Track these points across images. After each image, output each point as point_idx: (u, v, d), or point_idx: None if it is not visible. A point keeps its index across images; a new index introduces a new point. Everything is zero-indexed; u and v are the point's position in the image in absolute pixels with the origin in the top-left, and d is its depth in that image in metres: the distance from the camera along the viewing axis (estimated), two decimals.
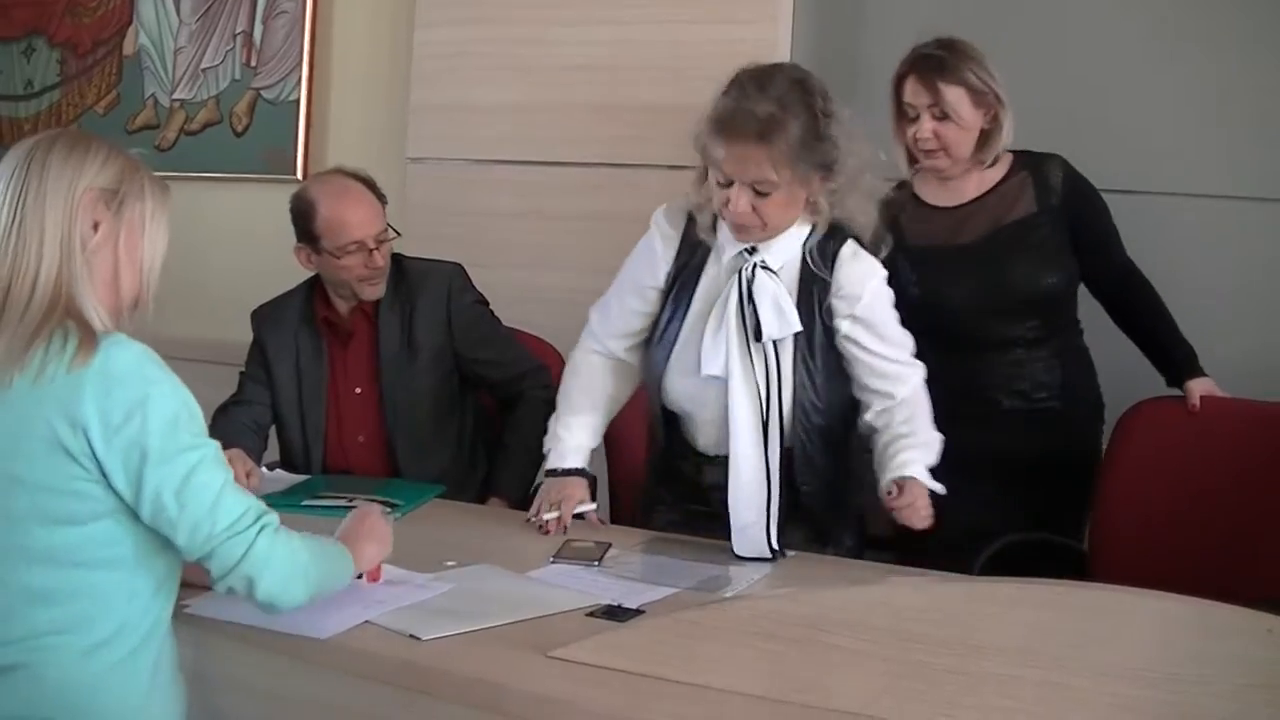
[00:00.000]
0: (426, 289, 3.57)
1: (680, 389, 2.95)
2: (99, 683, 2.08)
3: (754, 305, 2.81)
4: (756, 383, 2.82)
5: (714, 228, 2.90)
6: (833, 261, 2.84)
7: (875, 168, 2.86)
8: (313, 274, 3.62)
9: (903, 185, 3.46)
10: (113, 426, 2.00)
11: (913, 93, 3.32)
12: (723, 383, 2.84)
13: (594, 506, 3.01)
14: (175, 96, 5.42)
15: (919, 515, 2.69)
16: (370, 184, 3.53)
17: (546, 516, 2.94)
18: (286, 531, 2.14)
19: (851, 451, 3.01)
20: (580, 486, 3.01)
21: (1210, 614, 1.97)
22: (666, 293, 2.97)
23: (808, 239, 2.86)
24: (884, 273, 2.89)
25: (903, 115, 3.37)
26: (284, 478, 3.41)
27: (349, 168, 3.59)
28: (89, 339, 2.04)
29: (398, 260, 3.60)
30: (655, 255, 2.98)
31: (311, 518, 2.82)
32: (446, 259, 3.69)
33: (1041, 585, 2.06)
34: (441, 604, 2.38)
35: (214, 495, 2.06)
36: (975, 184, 3.42)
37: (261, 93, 5.22)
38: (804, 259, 2.85)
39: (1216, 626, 1.95)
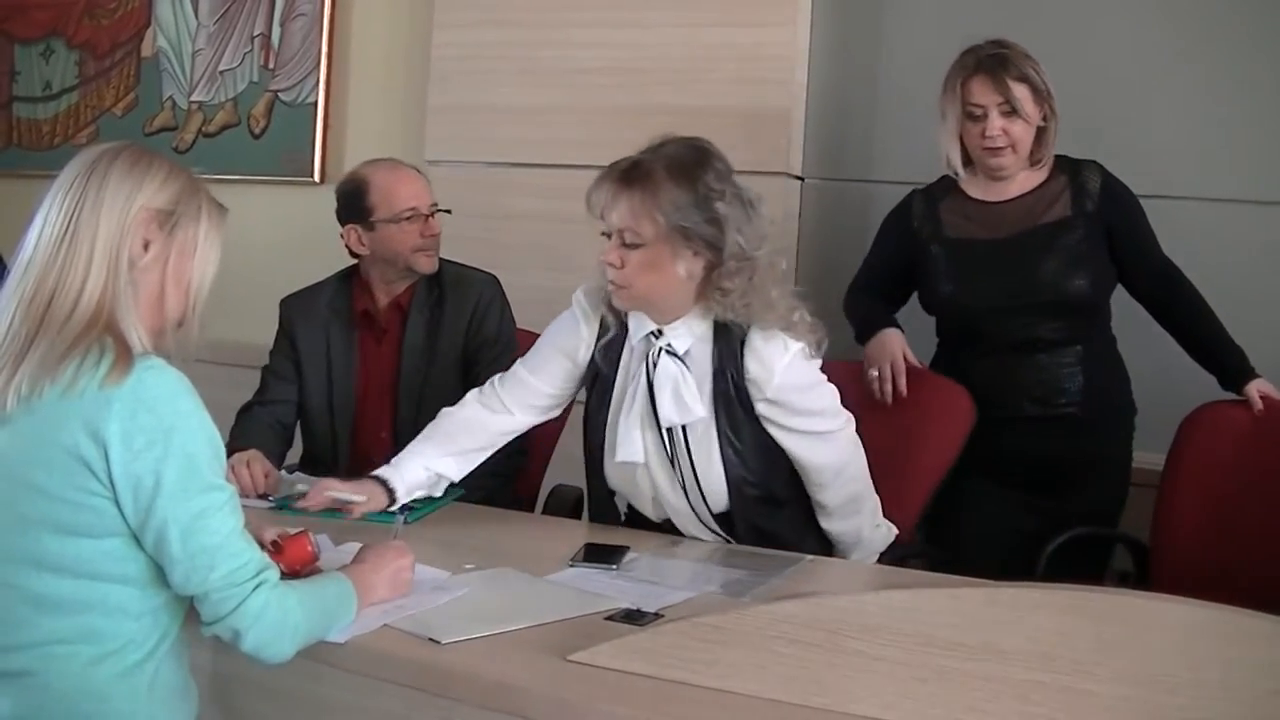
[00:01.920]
0: (458, 295, 3.60)
1: (614, 473, 2.98)
2: (103, 692, 2.07)
3: (654, 391, 2.82)
4: (676, 466, 2.87)
5: (623, 317, 2.92)
6: (739, 352, 2.80)
7: (781, 281, 2.82)
8: (346, 267, 3.65)
9: (944, 179, 3.54)
10: (133, 450, 2.00)
11: (980, 91, 3.36)
12: (645, 467, 2.90)
13: (360, 499, 2.90)
14: (193, 98, 5.44)
15: None
16: (420, 173, 3.63)
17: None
18: (283, 588, 2.12)
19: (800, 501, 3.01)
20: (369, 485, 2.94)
21: (1234, 620, 1.95)
22: (591, 380, 2.98)
23: (705, 330, 2.83)
24: (796, 346, 2.80)
25: (967, 116, 3.40)
26: (303, 479, 3.40)
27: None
28: (124, 357, 2.03)
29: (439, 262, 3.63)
30: (579, 334, 2.99)
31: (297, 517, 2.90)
32: (479, 267, 3.72)
33: (1064, 590, 2.05)
34: (460, 607, 2.37)
35: (218, 542, 2.05)
36: (1019, 183, 3.46)
37: (279, 95, 5.24)
38: (712, 347, 2.82)
39: (1240, 632, 1.93)
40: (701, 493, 2.88)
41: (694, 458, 2.85)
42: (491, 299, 3.63)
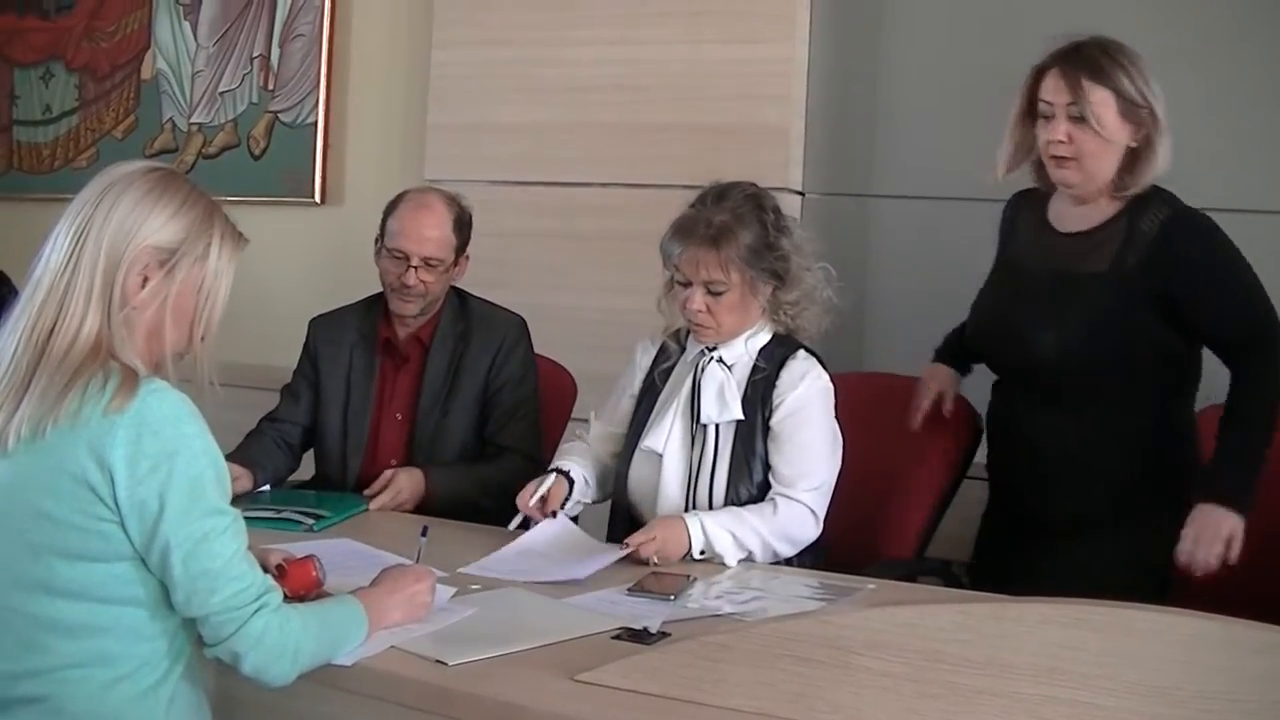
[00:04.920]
0: (483, 333, 3.62)
1: (636, 474, 3.15)
2: (119, 715, 2.07)
3: (699, 391, 3.06)
4: (691, 463, 3.07)
5: (683, 341, 3.19)
6: (781, 363, 3.06)
7: (830, 282, 3.10)
8: (377, 291, 3.65)
9: (1030, 192, 3.18)
10: (138, 476, 2.00)
11: (1053, 89, 2.94)
12: (660, 459, 3.08)
13: (565, 502, 3.11)
14: (193, 120, 5.44)
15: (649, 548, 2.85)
16: (460, 221, 3.59)
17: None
18: (286, 611, 2.11)
19: None
20: (561, 483, 3.12)
21: (1240, 632, 1.95)
22: (639, 397, 3.22)
23: (763, 343, 3.09)
24: (826, 382, 3.07)
25: (1036, 114, 2.99)
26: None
27: (462, 199, 3.66)
28: (129, 381, 2.03)
29: (463, 297, 3.66)
30: (635, 366, 3.27)
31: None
32: (501, 305, 3.74)
33: (1071, 604, 2.05)
34: (466, 628, 2.37)
35: (220, 566, 2.04)
36: (1094, 214, 3.03)
37: (279, 115, 5.24)
38: (754, 356, 3.08)
39: (1246, 644, 1.94)
40: (699, 497, 3.04)
41: (715, 459, 3.05)
42: (516, 341, 3.65)
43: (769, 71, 4.20)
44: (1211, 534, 2.81)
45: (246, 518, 2.89)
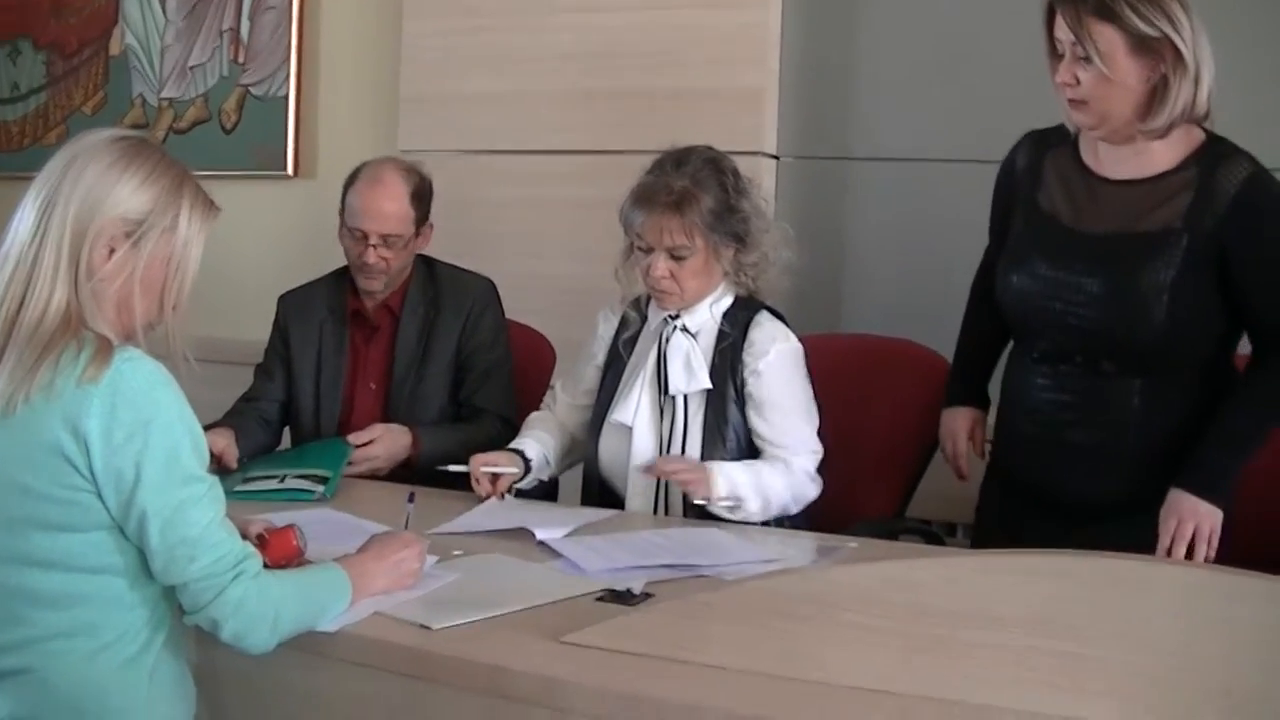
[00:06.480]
0: (453, 298, 3.61)
1: (606, 447, 3.16)
2: (104, 685, 2.07)
3: (665, 362, 3.06)
4: (661, 435, 3.07)
5: (644, 310, 3.19)
6: (746, 326, 3.07)
7: (789, 243, 3.11)
8: (343, 265, 3.64)
9: (1047, 133, 2.93)
10: (113, 445, 1.99)
11: (1060, 26, 2.66)
12: (629, 432, 3.08)
13: (514, 471, 3.12)
14: (163, 95, 5.39)
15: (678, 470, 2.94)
16: (418, 192, 3.56)
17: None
18: (264, 577, 2.11)
19: None
20: (507, 455, 3.15)
21: (1233, 582, 1.95)
22: (604, 368, 3.23)
23: (726, 307, 3.10)
24: (796, 343, 3.09)
25: (1054, 50, 2.72)
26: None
27: (420, 168, 3.63)
28: (103, 351, 2.02)
29: (430, 264, 3.66)
30: (597, 336, 3.27)
31: (247, 503, 2.93)
32: (470, 269, 3.73)
33: (1057, 555, 2.05)
34: (450, 593, 2.36)
35: (197, 533, 2.03)
36: (1145, 157, 2.73)
37: (250, 89, 5.20)
38: (720, 324, 3.08)
39: (1240, 594, 1.93)
40: None
41: (686, 430, 3.04)
42: (486, 304, 3.65)
43: (742, 35, 4.17)
44: (1191, 534, 2.64)
45: (251, 492, 2.97)
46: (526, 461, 3.13)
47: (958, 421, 3.12)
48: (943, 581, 2.03)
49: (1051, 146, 2.88)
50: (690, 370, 3.03)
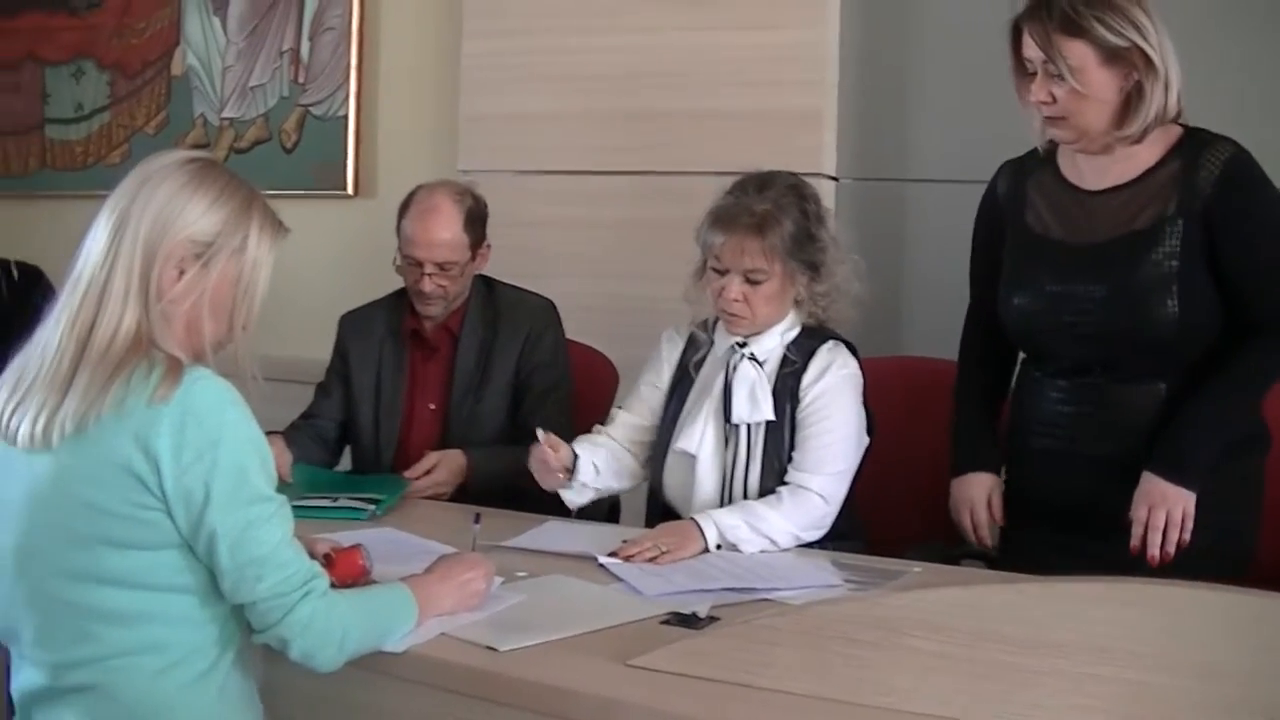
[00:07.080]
0: (512, 320, 3.63)
1: (670, 474, 3.13)
2: (171, 702, 2.08)
3: (730, 390, 3.03)
4: (725, 464, 3.04)
5: (711, 331, 3.15)
6: (810, 354, 3.04)
7: (860, 276, 3.08)
8: (402, 286, 3.65)
9: (1021, 160, 2.97)
10: (183, 465, 2.00)
11: (1028, 44, 2.68)
12: (694, 460, 3.05)
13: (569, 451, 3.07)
14: (224, 115, 5.46)
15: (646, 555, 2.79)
16: (471, 216, 3.55)
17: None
18: (332, 596, 2.13)
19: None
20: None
21: None
22: (670, 391, 3.19)
23: (794, 336, 3.07)
24: (853, 369, 3.05)
25: (1022, 70, 2.74)
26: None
27: (474, 189, 3.64)
28: (174, 371, 2.04)
29: (490, 285, 3.67)
30: (660, 358, 3.23)
31: (301, 520, 2.87)
32: (532, 289, 3.74)
33: (1122, 584, 2.05)
34: (516, 615, 2.37)
35: (266, 553, 2.05)
36: (1123, 164, 2.75)
37: (310, 109, 5.25)
38: (784, 350, 3.05)
39: None
40: (734, 497, 3.02)
41: (749, 458, 3.01)
42: (546, 325, 3.66)
43: (800, 56, 4.18)
44: (1163, 522, 2.65)
45: (304, 508, 2.96)
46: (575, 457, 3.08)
47: (974, 489, 2.99)
48: (1009, 608, 2.03)
49: (1030, 172, 2.93)
50: (754, 400, 3.01)
